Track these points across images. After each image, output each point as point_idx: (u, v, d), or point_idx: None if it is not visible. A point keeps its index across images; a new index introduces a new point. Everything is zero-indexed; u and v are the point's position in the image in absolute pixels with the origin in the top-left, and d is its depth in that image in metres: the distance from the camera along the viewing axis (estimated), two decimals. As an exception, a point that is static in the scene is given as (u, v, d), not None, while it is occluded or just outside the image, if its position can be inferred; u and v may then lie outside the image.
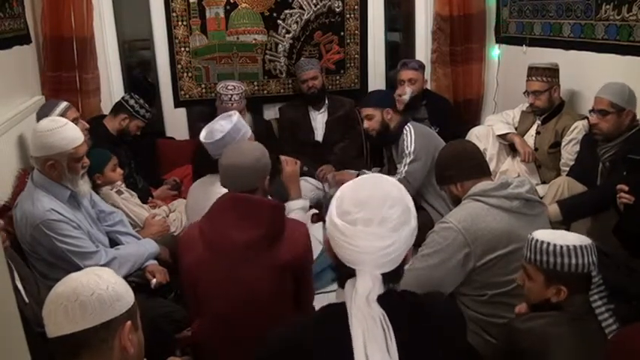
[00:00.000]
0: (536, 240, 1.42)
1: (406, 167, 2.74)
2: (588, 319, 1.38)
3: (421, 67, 3.49)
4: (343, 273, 1.09)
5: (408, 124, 2.85)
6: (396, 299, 1.09)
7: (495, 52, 3.94)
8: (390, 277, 1.09)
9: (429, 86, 3.77)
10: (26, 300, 1.63)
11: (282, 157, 2.51)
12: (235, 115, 2.28)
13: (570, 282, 1.39)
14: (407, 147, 2.76)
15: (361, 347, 1.00)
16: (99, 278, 1.17)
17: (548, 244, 1.39)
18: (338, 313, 1.06)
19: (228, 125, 2.21)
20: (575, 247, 1.37)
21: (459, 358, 1.12)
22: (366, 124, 2.93)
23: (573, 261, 1.37)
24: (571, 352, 1.34)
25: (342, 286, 1.10)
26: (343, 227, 1.05)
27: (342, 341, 1.02)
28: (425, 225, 2.56)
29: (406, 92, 3.36)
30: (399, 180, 2.70)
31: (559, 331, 1.36)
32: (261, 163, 1.76)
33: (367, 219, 1.04)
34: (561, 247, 1.38)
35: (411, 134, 2.78)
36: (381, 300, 1.05)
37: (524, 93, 3.05)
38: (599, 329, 1.37)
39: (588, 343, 1.36)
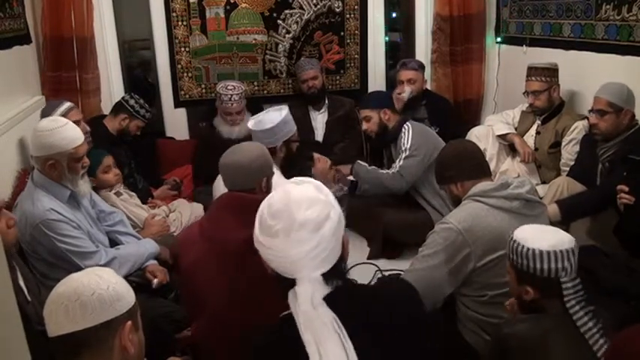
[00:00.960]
0: (513, 239, 1.43)
1: (401, 162, 2.74)
2: (570, 322, 1.38)
3: (421, 67, 3.48)
4: (284, 285, 1.09)
5: (407, 122, 2.85)
6: (345, 296, 1.09)
7: (495, 52, 3.94)
8: (332, 275, 1.09)
9: (428, 86, 3.77)
10: (29, 298, 1.63)
11: (315, 155, 2.60)
12: (285, 110, 2.48)
13: (537, 284, 1.39)
14: (404, 144, 2.76)
15: (316, 354, 0.99)
16: (100, 278, 1.17)
17: (519, 244, 1.40)
18: (288, 325, 1.05)
19: (278, 118, 2.40)
20: (542, 252, 1.36)
21: (424, 345, 1.11)
22: (364, 125, 2.93)
23: (538, 265, 1.37)
24: (558, 354, 1.34)
25: (285, 297, 1.10)
26: (267, 242, 1.07)
27: (297, 353, 1.01)
28: (425, 225, 2.57)
29: (405, 91, 3.36)
30: (393, 174, 2.72)
31: (544, 335, 1.36)
32: (256, 163, 1.75)
33: (286, 228, 1.05)
34: (529, 249, 1.37)
35: (409, 132, 2.77)
36: (330, 301, 1.05)
37: (523, 93, 3.05)
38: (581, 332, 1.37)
39: (572, 344, 1.35)
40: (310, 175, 2.48)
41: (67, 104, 2.63)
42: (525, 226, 1.47)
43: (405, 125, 2.82)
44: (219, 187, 2.28)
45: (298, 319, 1.04)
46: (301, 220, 1.05)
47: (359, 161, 2.94)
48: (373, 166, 2.89)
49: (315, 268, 1.07)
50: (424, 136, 2.79)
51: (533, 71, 2.98)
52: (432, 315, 1.43)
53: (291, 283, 1.08)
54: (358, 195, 2.95)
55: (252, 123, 2.46)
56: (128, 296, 1.20)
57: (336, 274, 1.10)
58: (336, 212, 1.09)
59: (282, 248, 1.05)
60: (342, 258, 1.13)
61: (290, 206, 1.06)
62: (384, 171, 2.81)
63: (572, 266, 1.37)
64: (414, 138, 2.74)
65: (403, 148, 2.76)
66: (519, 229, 1.45)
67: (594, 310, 1.37)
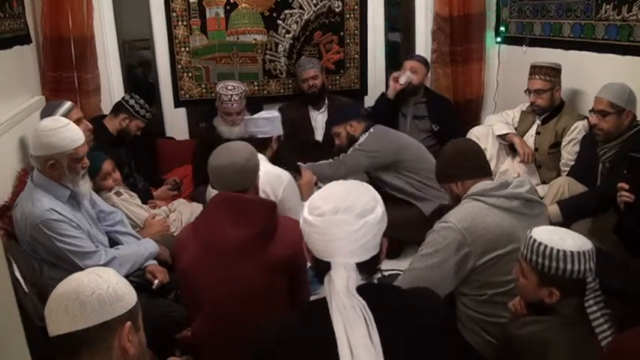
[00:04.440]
0: (534, 240, 1.40)
1: (350, 151, 2.90)
2: (582, 324, 1.37)
3: (425, 62, 3.54)
4: (320, 269, 1.16)
5: (371, 128, 2.93)
6: (375, 290, 1.16)
7: (495, 52, 3.94)
8: (366, 268, 1.15)
9: (428, 86, 3.77)
10: (25, 290, 1.61)
11: (302, 167, 2.83)
12: (277, 112, 2.73)
13: (564, 286, 1.37)
14: (359, 141, 2.91)
15: (344, 337, 1.04)
16: (100, 278, 1.17)
17: (546, 246, 1.37)
18: (320, 307, 1.11)
19: (275, 112, 2.65)
20: (572, 252, 1.35)
21: (443, 348, 1.16)
22: (336, 142, 3.04)
23: (569, 267, 1.35)
24: (570, 356, 1.33)
25: (321, 281, 1.15)
26: (314, 220, 1.14)
27: (325, 333, 1.06)
28: (416, 219, 2.76)
29: (404, 75, 3.42)
30: (334, 160, 2.93)
31: (556, 338, 1.34)
32: (250, 163, 1.75)
33: (334, 208, 1.13)
34: (558, 251, 1.35)
35: (367, 135, 2.90)
36: (361, 291, 1.10)
37: (525, 91, 3.04)
38: (593, 334, 1.36)
39: (583, 349, 1.34)
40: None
41: (68, 104, 2.63)
42: (539, 227, 1.45)
43: (368, 131, 2.92)
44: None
45: (331, 302, 1.09)
46: (349, 203, 1.13)
47: (309, 163, 3.00)
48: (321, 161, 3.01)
49: (352, 255, 1.12)
50: (381, 138, 2.90)
51: (537, 70, 2.97)
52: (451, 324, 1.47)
53: (326, 267, 1.13)
54: None
55: (251, 115, 2.68)
56: (129, 297, 1.20)
57: (369, 269, 1.16)
58: (381, 209, 1.16)
59: (327, 226, 1.12)
60: (378, 259, 1.19)
61: (341, 192, 1.16)
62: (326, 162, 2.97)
63: (594, 266, 1.37)
64: (367, 139, 2.89)
65: (357, 144, 2.91)
66: (535, 230, 1.43)
67: (610, 313, 1.36)
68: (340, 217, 1.11)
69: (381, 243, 1.18)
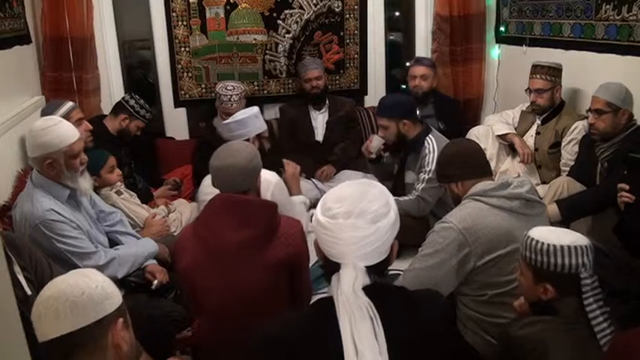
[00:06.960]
0: (530, 237, 1.42)
1: (423, 184, 2.65)
2: (582, 324, 1.36)
3: (433, 65, 3.56)
4: (329, 269, 1.16)
5: (430, 136, 2.71)
6: (382, 290, 1.15)
7: (495, 52, 3.95)
8: (375, 270, 1.15)
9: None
10: (28, 292, 1.58)
11: (285, 161, 2.78)
12: (256, 108, 2.67)
13: (556, 281, 1.37)
14: (428, 163, 2.65)
15: (349, 334, 1.05)
16: (87, 278, 1.17)
17: (537, 241, 1.38)
18: (326, 305, 1.11)
19: (250, 112, 2.59)
20: (562, 247, 1.35)
21: (447, 351, 1.15)
22: (381, 132, 2.82)
23: (559, 261, 1.35)
24: (568, 358, 1.32)
25: (329, 281, 1.15)
26: (325, 222, 1.13)
27: (331, 330, 1.06)
28: (424, 227, 2.56)
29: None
30: (415, 200, 2.65)
31: (555, 338, 1.34)
32: (253, 163, 1.75)
33: (346, 212, 1.11)
34: (548, 245, 1.36)
35: (434, 153, 2.63)
36: (368, 290, 1.10)
37: (525, 90, 3.04)
38: (593, 335, 1.34)
39: (583, 348, 1.34)
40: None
41: (69, 104, 2.63)
42: (538, 227, 1.46)
43: (427, 140, 2.70)
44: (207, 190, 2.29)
45: (337, 300, 1.09)
46: (362, 208, 1.11)
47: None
48: (395, 197, 2.79)
49: (363, 258, 1.12)
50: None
51: (538, 69, 2.97)
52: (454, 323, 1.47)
53: (335, 267, 1.14)
54: None
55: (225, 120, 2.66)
56: (116, 294, 1.20)
57: (378, 271, 1.16)
58: (394, 214, 1.16)
59: (338, 230, 1.11)
60: (388, 261, 1.20)
61: (355, 195, 1.14)
62: (404, 198, 2.71)
63: (590, 263, 1.36)
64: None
65: (427, 169, 2.64)
66: (533, 229, 1.44)
67: (610, 311, 1.36)
68: (353, 222, 1.10)
69: (391, 246, 1.19)
